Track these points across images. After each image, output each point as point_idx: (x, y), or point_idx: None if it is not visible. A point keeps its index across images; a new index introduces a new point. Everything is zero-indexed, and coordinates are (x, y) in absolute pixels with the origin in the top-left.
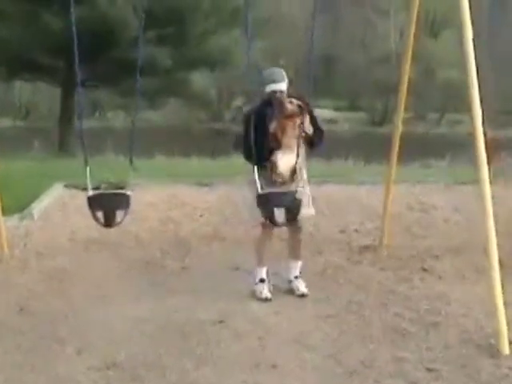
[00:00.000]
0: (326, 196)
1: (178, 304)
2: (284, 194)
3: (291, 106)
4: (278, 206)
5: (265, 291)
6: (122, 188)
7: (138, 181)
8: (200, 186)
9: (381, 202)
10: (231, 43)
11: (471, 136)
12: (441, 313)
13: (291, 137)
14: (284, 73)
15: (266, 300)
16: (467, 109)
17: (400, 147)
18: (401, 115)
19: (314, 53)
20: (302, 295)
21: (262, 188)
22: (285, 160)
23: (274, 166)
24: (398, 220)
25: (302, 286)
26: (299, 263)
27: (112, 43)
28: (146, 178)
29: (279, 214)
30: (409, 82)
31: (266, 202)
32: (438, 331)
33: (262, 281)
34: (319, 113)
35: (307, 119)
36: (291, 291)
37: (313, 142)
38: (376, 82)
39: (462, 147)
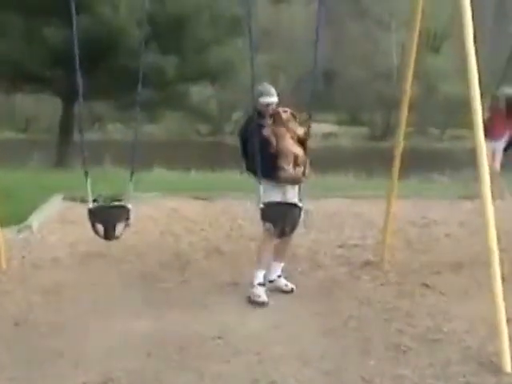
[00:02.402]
0: (326, 210)
1: (176, 318)
2: (286, 209)
3: (284, 114)
4: (278, 222)
5: (263, 295)
6: (120, 201)
7: (137, 194)
8: (199, 199)
9: (382, 217)
10: (233, 54)
11: (473, 151)
12: (442, 329)
13: (289, 141)
14: (273, 88)
15: (263, 304)
16: (469, 124)
17: (401, 162)
18: (402, 130)
19: (318, 67)
20: (288, 290)
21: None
22: (289, 163)
23: (281, 171)
24: (400, 235)
25: (285, 282)
26: (282, 265)
27: (113, 54)
28: (146, 191)
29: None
30: (410, 97)
31: (268, 216)
32: (440, 348)
33: (260, 285)
34: (320, 128)
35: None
36: (276, 290)
37: (304, 143)
38: (377, 96)
39: (464, 162)
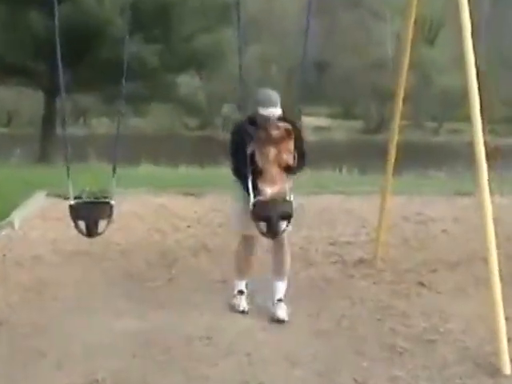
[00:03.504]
0: (318, 207)
1: (163, 318)
2: (277, 204)
3: (277, 130)
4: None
5: (242, 303)
6: (105, 197)
7: (122, 190)
8: (188, 195)
9: (376, 214)
10: (222, 43)
11: (471, 145)
12: (439, 329)
13: (273, 163)
14: (278, 95)
15: (243, 312)
16: (466, 117)
17: (396, 156)
18: (397, 123)
19: (308, 58)
20: (278, 321)
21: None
22: (268, 191)
23: (260, 191)
24: (394, 232)
25: (281, 311)
26: (284, 284)
27: (96, 44)
28: (132, 187)
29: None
30: (405, 89)
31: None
32: (436, 349)
33: (240, 292)
34: (312, 121)
35: (291, 144)
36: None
37: (291, 170)
38: (372, 88)
39: (460, 157)
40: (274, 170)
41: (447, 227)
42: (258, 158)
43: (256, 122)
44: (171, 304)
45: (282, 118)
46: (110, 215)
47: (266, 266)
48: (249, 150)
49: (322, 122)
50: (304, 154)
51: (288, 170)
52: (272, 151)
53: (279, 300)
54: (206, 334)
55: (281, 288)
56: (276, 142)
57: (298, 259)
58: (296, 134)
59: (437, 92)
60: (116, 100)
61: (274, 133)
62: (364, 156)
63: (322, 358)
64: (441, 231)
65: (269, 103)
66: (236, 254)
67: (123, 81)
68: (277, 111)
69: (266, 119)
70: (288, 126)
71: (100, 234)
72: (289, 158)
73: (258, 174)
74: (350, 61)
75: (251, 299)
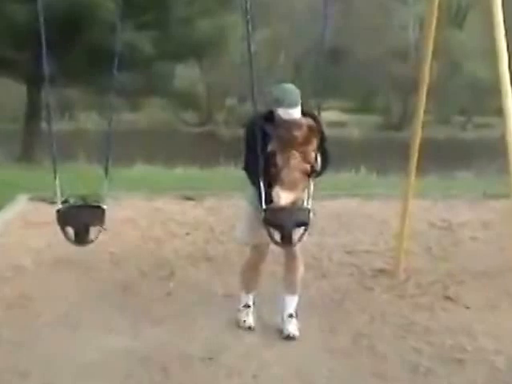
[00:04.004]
0: (333, 212)
1: (159, 336)
2: (291, 211)
3: (300, 131)
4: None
5: (249, 319)
6: (95, 201)
7: (114, 193)
8: (186, 199)
9: (397, 219)
10: (223, 29)
11: (502, 141)
12: (466, 348)
13: (295, 167)
14: (299, 93)
15: (250, 329)
16: (498, 110)
17: (419, 155)
18: (421, 118)
19: (323, 44)
20: (288, 337)
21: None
22: (284, 196)
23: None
24: (417, 239)
25: (292, 327)
26: (295, 299)
27: (85, 31)
28: (124, 189)
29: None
30: (430, 79)
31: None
32: (463, 369)
33: (246, 306)
34: (325, 116)
35: (315, 143)
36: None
37: (314, 173)
38: (392, 78)
39: (491, 155)
40: (295, 175)
41: (476, 234)
42: (278, 160)
43: (273, 119)
44: (168, 320)
45: (302, 112)
46: (101, 221)
47: (274, 277)
48: (269, 148)
49: (337, 116)
50: (327, 154)
51: (311, 173)
52: (295, 154)
53: (290, 316)
54: (207, 353)
55: (292, 303)
56: (300, 144)
57: (310, 269)
58: (318, 129)
59: (465, 82)
60: (106, 92)
61: (298, 133)
62: (384, 155)
63: (338, 380)
64: (469, 238)
65: (288, 103)
66: (244, 263)
67: (115, 71)
68: (297, 112)
69: (286, 122)
70: (311, 122)
71: (91, 241)
72: (313, 160)
73: (276, 176)
74: (368, 48)
75: (258, 314)
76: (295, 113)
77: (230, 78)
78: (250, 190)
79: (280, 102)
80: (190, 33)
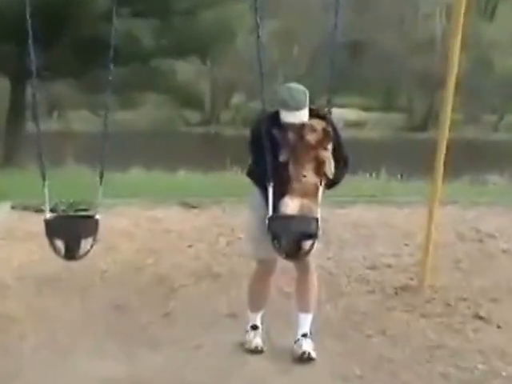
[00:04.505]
0: (351, 221)
1: (158, 362)
2: (298, 220)
3: (313, 134)
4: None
5: (256, 340)
6: (87, 210)
7: (108, 200)
8: (188, 207)
9: (422, 229)
10: (230, 18)
11: None
12: (500, 373)
13: (310, 175)
14: (307, 93)
15: (257, 351)
16: None
17: (447, 158)
18: (448, 117)
19: (339, 36)
20: (304, 357)
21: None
22: (292, 206)
23: (282, 205)
24: (445, 252)
25: (307, 346)
26: (309, 317)
27: (75, 21)
28: (119, 196)
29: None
30: (458, 75)
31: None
32: None
33: (253, 328)
34: (343, 114)
35: (329, 146)
36: (295, 352)
37: (330, 181)
38: (416, 73)
39: None
40: (310, 183)
41: (509, 246)
42: (291, 168)
43: (280, 121)
44: (168, 343)
45: (312, 112)
46: (94, 232)
47: (284, 294)
48: (282, 158)
49: (356, 115)
50: (346, 158)
51: (326, 183)
52: (309, 160)
53: (304, 335)
54: (210, 381)
55: (306, 322)
56: (313, 148)
57: (326, 287)
58: (332, 131)
59: (496, 79)
60: (99, 89)
61: (311, 137)
62: (407, 157)
63: None
64: (501, 251)
65: (294, 106)
66: (251, 280)
67: (110, 65)
68: (305, 114)
69: (295, 125)
70: (325, 124)
71: (82, 256)
72: (329, 166)
73: (286, 186)
74: (390, 40)
75: (267, 336)
76: (302, 115)
77: (237, 72)
78: (255, 198)
79: (286, 104)
80: (192, 24)
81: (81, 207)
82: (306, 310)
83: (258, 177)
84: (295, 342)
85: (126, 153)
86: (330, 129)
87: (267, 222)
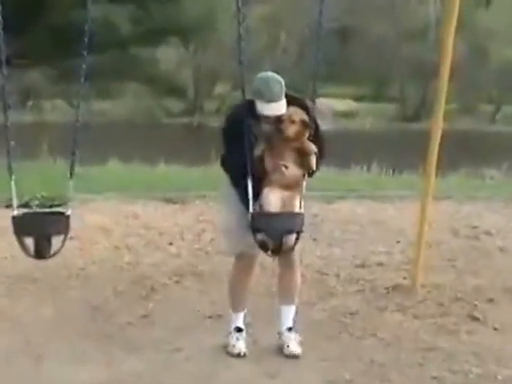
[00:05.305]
0: (341, 216)
1: (137, 366)
2: (283, 216)
3: (291, 126)
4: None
5: (239, 344)
6: (59, 205)
7: (84, 195)
8: (169, 203)
9: (415, 226)
10: (212, 4)
11: None
12: (496, 377)
13: (290, 168)
14: (283, 83)
15: (240, 356)
16: None
17: (441, 150)
18: (442, 107)
19: (326, 22)
20: (292, 355)
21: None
22: (274, 200)
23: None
24: (439, 249)
25: (292, 343)
26: (293, 309)
27: (49, 5)
28: (96, 191)
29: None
30: (452, 63)
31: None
32: None
33: (237, 330)
34: (332, 105)
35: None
36: (280, 348)
37: (309, 173)
38: (409, 62)
39: None
40: (291, 174)
41: (506, 243)
42: (267, 161)
43: (256, 112)
44: (148, 347)
45: (294, 101)
46: (66, 229)
47: (268, 292)
48: (257, 152)
49: (346, 105)
50: (322, 149)
51: (307, 174)
52: (289, 152)
53: (289, 329)
54: None
55: (290, 314)
56: (292, 140)
57: (315, 287)
58: (311, 122)
59: (493, 67)
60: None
61: (289, 130)
62: (399, 149)
63: None
64: (498, 249)
65: (271, 97)
66: (230, 278)
67: (85, 52)
68: (282, 105)
69: (272, 118)
70: (303, 114)
71: (53, 254)
72: (310, 159)
73: (263, 178)
74: (382, 27)
75: (252, 338)
76: (280, 106)
77: (221, 60)
78: (229, 189)
79: (262, 96)
80: (172, 9)
81: (56, 203)
82: (289, 303)
83: (231, 168)
84: (279, 336)
85: (103, 145)
86: (308, 119)
87: (250, 217)
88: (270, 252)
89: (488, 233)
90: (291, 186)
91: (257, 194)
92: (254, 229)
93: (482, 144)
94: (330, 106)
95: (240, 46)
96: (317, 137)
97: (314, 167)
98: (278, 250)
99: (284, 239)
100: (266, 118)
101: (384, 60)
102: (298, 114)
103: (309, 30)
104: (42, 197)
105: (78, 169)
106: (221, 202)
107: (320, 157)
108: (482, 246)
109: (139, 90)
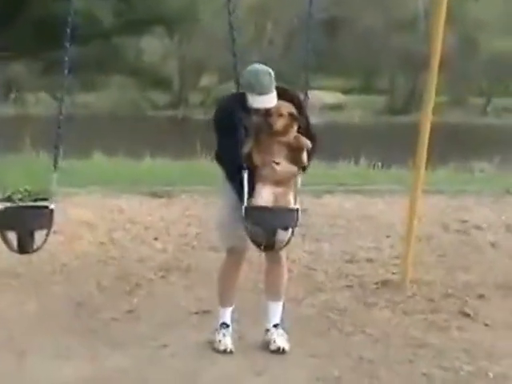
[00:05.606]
0: (329, 211)
1: (122, 362)
2: (276, 212)
3: (279, 120)
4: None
5: (225, 340)
6: (43, 199)
7: (67, 189)
8: (154, 197)
9: (404, 220)
10: None
11: None
12: (487, 374)
13: (281, 164)
14: (273, 75)
15: (226, 353)
16: None
17: (430, 143)
18: (432, 99)
19: (315, 13)
20: (278, 350)
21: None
22: (266, 195)
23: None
24: (429, 244)
25: (280, 338)
26: (280, 305)
27: None
28: (80, 185)
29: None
30: (442, 54)
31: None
32: None
33: (223, 326)
34: (320, 97)
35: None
36: (267, 345)
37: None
38: (399, 53)
39: None
40: (279, 172)
41: (497, 238)
42: (256, 157)
43: (246, 104)
44: (133, 344)
45: (283, 93)
46: (49, 224)
47: (256, 289)
48: (246, 148)
49: (334, 97)
50: (314, 141)
51: (299, 168)
52: (278, 148)
53: (275, 326)
54: (176, 382)
55: (277, 310)
56: (281, 135)
57: (302, 282)
58: (301, 115)
59: (483, 59)
60: (58, 70)
61: (278, 124)
62: (388, 143)
63: None
64: (489, 244)
65: (260, 89)
66: (220, 272)
67: (67, 44)
68: (272, 98)
69: (262, 110)
70: (291, 107)
71: (37, 249)
72: (302, 154)
73: (254, 174)
74: (371, 18)
75: (238, 334)
76: (270, 99)
77: (206, 51)
78: (225, 184)
79: (252, 88)
80: (155, 2)
81: (40, 197)
82: (276, 299)
83: (225, 162)
84: (266, 332)
85: (87, 138)
86: (295, 112)
87: (243, 212)
88: (262, 247)
89: (478, 227)
90: (283, 182)
91: (252, 189)
92: (248, 223)
93: (472, 137)
94: (320, 98)
95: (232, 37)
96: (308, 130)
97: (306, 162)
98: (272, 245)
99: (277, 235)
100: (257, 110)
101: (373, 51)
102: (286, 107)
103: (298, 20)
104: (25, 190)
105: (61, 162)
106: (219, 195)
107: (312, 151)
108: (472, 240)
109: (123, 82)
